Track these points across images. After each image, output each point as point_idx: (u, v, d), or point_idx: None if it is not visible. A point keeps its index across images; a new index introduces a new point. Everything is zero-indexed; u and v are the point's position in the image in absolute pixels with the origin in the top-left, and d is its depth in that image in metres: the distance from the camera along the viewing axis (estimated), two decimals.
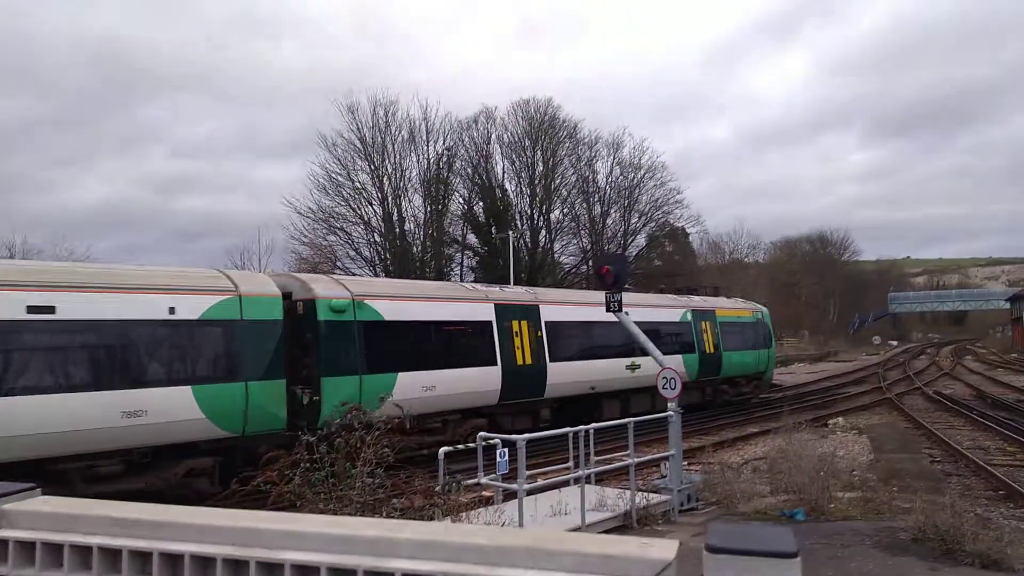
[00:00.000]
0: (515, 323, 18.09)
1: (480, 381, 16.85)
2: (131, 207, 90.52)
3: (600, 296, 20.17)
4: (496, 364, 17.23)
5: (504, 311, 17.92)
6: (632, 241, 53.93)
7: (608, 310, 12.40)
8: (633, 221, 53.80)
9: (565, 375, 18.95)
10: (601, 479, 12.25)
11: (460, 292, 18.28)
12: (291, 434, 10.46)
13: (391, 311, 15.44)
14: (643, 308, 21.37)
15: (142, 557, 1.45)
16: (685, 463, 12.55)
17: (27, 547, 1.50)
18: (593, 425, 11.01)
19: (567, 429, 10.85)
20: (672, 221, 55.68)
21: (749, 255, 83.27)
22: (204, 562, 1.41)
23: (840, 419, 22.55)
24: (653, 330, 19.59)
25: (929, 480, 13.36)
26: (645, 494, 11.39)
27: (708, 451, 17.09)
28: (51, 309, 11.01)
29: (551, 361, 18.60)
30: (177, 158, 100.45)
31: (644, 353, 16.92)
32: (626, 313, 12.82)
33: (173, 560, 1.43)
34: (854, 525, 10.05)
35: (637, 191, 53.08)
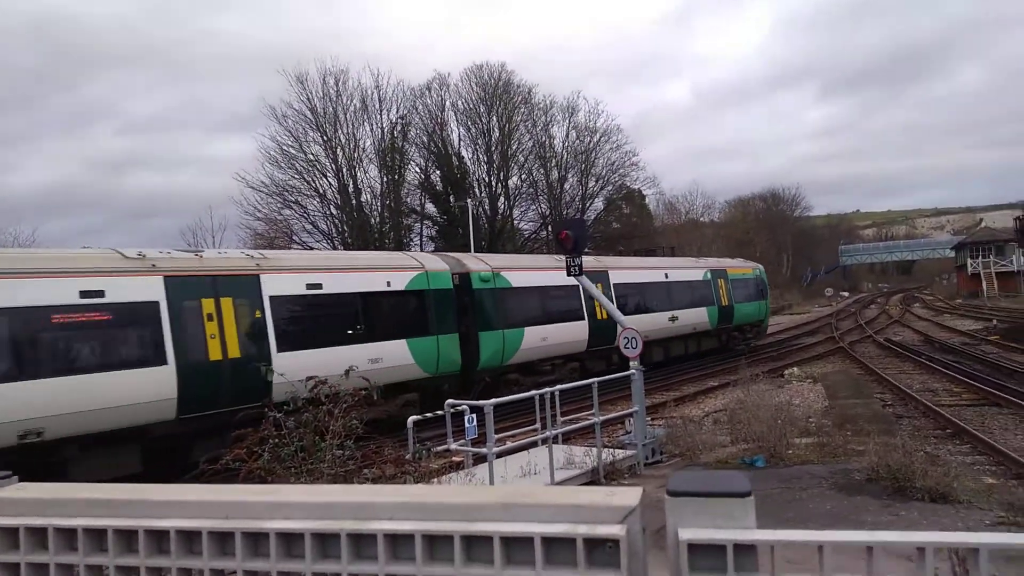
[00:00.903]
0: (597, 285, 19.34)
1: (575, 333, 20.97)
2: (80, 188, 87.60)
3: (653, 262, 26.87)
4: (584, 319, 21.22)
5: (593, 276, 19.99)
6: (590, 205, 54.16)
7: (569, 274, 12.54)
8: (591, 185, 53.96)
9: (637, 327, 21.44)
10: (568, 438, 12.51)
11: (555, 263, 19.98)
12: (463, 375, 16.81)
13: (518, 279, 19.52)
14: (678, 270, 26.69)
15: (127, 535, 1.48)
16: (648, 419, 12.86)
17: (10, 533, 1.53)
18: (558, 387, 11.21)
19: (533, 392, 11.03)
20: (629, 184, 55.98)
21: (704, 215, 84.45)
22: (189, 536, 1.45)
23: (796, 369, 23.26)
24: (686, 287, 26.05)
25: (881, 423, 13.91)
26: (611, 450, 11.68)
27: (670, 406, 17.54)
28: (319, 285, 14.72)
29: (624, 313, 20.74)
30: (126, 135, 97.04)
31: (681, 307, 24.80)
32: (665, 276, 19.91)
33: (159, 536, 1.47)
34: (811, 469, 10.46)
35: (594, 155, 53.16)
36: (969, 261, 66.97)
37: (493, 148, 50.09)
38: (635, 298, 23.56)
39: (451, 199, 46.46)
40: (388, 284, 16.21)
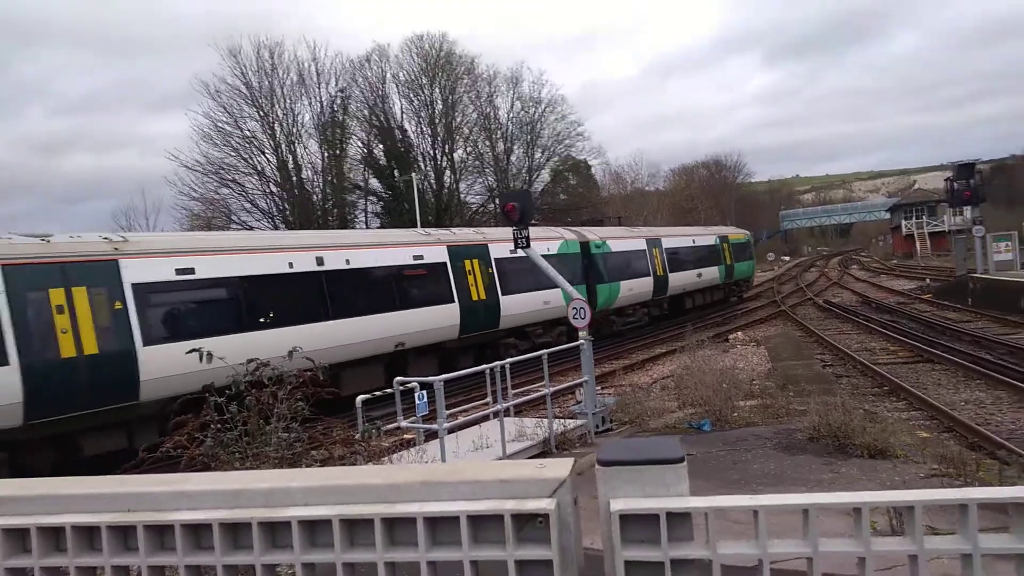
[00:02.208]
0: (655, 251, 28.06)
1: (645, 285, 27.01)
2: (9, 172, 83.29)
3: (685, 231, 34.45)
4: (650, 275, 27.30)
5: (651, 243, 28.12)
6: (537, 176, 53.98)
7: (516, 246, 12.46)
8: (537, 156, 53.75)
9: (677, 281, 29.34)
10: (520, 411, 12.52)
11: (631, 232, 28.98)
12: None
13: (615, 246, 25.63)
14: (700, 237, 33.35)
15: (18, 533, 1.36)
16: (598, 388, 12.96)
17: None
18: (508, 360, 11.17)
19: (483, 367, 10.97)
20: (575, 155, 55.98)
21: (650, 183, 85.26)
22: (89, 532, 1.34)
23: (739, 333, 23.77)
24: (706, 250, 32.83)
25: (822, 383, 14.31)
26: (562, 421, 11.73)
27: (619, 375, 17.71)
28: (514, 251, 16.32)
29: (671, 273, 28.71)
30: (60, 116, 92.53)
31: (704, 266, 32.08)
32: (693, 241, 32.44)
33: (55, 533, 1.35)
34: (756, 431, 10.71)
35: (539, 126, 52.88)
36: (903, 222, 69.26)
37: (437, 120, 49.37)
38: (677, 259, 29.74)
39: (395, 173, 45.71)
40: (548, 249, 21.05)
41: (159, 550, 1.30)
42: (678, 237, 31.12)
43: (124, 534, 1.32)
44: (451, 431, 10.06)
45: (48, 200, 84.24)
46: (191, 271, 13.23)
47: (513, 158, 53.14)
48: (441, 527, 1.21)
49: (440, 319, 17.88)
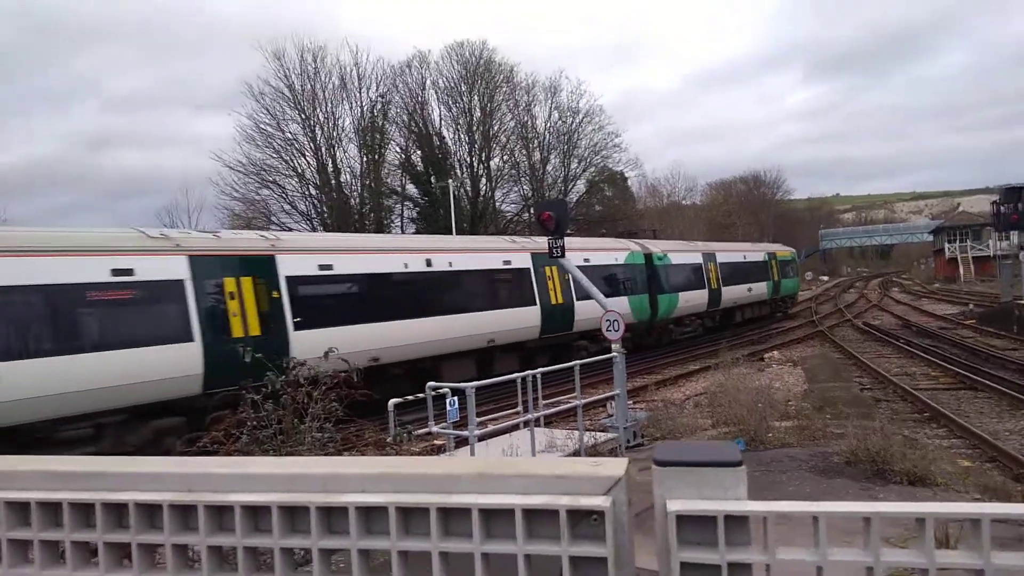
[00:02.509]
0: (710, 265, 29.57)
1: (701, 297, 28.55)
2: (60, 167, 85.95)
3: (737, 246, 35.85)
4: (705, 288, 28.75)
5: (706, 257, 29.68)
6: (572, 187, 53.97)
7: (551, 256, 12.48)
8: (573, 166, 53.76)
9: (729, 295, 30.78)
10: (550, 421, 12.50)
11: (689, 246, 30.71)
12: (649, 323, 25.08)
13: (675, 259, 27.08)
14: (751, 253, 35.16)
15: (84, 509, 1.40)
16: (630, 402, 12.88)
17: None
18: (540, 370, 11.16)
19: (515, 375, 10.97)
20: (611, 165, 55.86)
21: (686, 197, 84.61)
22: (150, 509, 1.37)
23: (775, 353, 23.43)
24: (755, 266, 34.21)
25: (860, 406, 14.03)
26: (593, 433, 11.69)
27: (652, 389, 17.58)
28: (588, 260, 21.29)
29: (724, 286, 30.14)
30: (110, 113, 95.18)
31: (753, 281, 33.20)
32: (744, 257, 33.56)
33: (118, 509, 1.39)
34: (791, 452, 10.52)
35: (576, 136, 52.90)
36: (947, 245, 67.71)
37: (475, 128, 49.68)
38: (729, 273, 31.00)
39: (432, 180, 46.08)
40: (616, 260, 23.96)
41: (218, 530, 1.33)
42: (731, 252, 32.92)
43: (185, 513, 1.35)
44: (481, 439, 10.08)
45: (95, 195, 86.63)
46: (330, 267, 15.09)
47: (549, 167, 53.26)
48: (495, 520, 1.22)
49: (524, 320, 19.52)
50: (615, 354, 12.15)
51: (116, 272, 11.93)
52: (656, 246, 27.14)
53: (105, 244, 12.32)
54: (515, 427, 11.08)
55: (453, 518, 1.23)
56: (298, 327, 13.92)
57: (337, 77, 44.13)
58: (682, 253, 28.40)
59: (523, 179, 52.39)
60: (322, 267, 14.89)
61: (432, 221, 44.92)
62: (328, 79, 43.85)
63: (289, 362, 9.59)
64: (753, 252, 35.34)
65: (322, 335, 13.65)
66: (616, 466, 1.21)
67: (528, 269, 19.75)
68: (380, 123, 45.77)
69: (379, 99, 45.88)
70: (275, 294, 13.89)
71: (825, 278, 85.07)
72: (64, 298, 11.37)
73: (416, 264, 16.84)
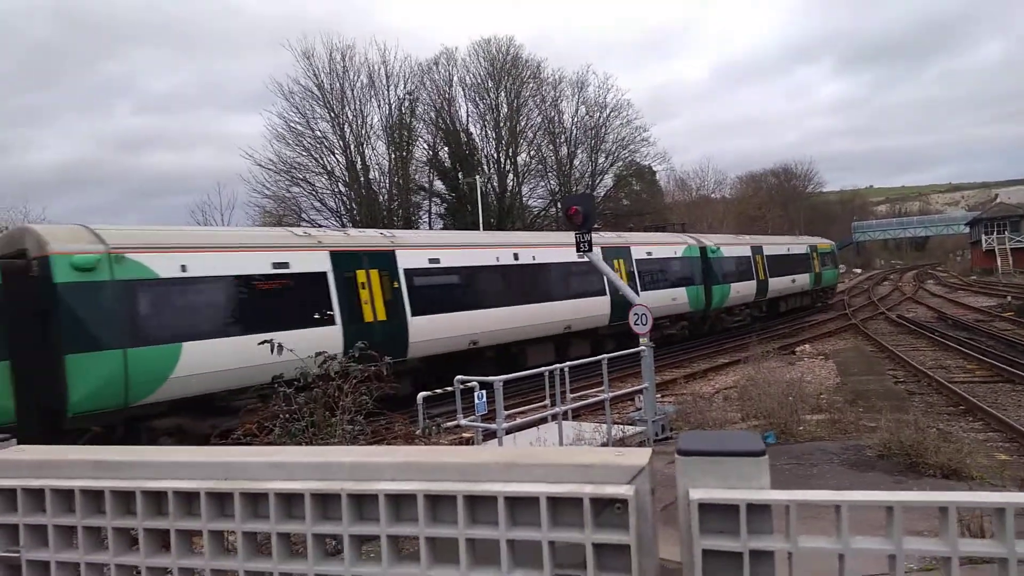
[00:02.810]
0: (758, 257, 30.90)
1: (750, 288, 30.00)
2: (95, 166, 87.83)
3: (782, 239, 37.80)
4: (754, 279, 30.31)
5: (754, 250, 30.90)
6: (600, 181, 53.75)
7: (579, 251, 12.46)
8: (600, 161, 53.54)
9: (775, 285, 32.28)
10: (578, 415, 12.51)
11: (738, 240, 31.76)
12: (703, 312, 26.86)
13: (727, 251, 28.61)
14: (795, 245, 36.22)
15: (125, 496, 1.45)
16: (658, 395, 12.84)
17: (8, 494, 1.50)
18: (568, 363, 11.18)
19: (542, 368, 11.01)
20: (639, 160, 55.50)
21: (716, 191, 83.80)
22: (188, 497, 1.42)
23: (807, 346, 23.14)
24: (799, 258, 35.50)
25: (893, 399, 13.82)
26: (621, 427, 11.68)
27: (680, 383, 17.49)
28: (651, 253, 23.97)
29: (770, 277, 31.61)
30: (144, 113, 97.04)
31: (796, 273, 34.54)
32: (788, 249, 34.65)
33: (157, 497, 1.44)
34: (822, 445, 10.41)
35: (603, 130, 52.68)
36: (983, 237, 66.20)
37: (502, 124, 49.69)
38: (775, 265, 32.45)
39: (460, 176, 46.20)
40: (675, 252, 25.62)
41: (253, 517, 1.38)
42: (776, 245, 34.34)
43: (221, 500, 1.40)
44: (509, 432, 10.14)
45: (126, 194, 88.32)
46: (437, 260, 16.93)
47: (576, 162, 53.11)
48: (520, 508, 1.25)
49: (595, 308, 21.40)
50: (643, 348, 12.11)
51: (276, 265, 13.93)
52: (709, 239, 28.47)
53: (266, 241, 14.46)
54: (543, 420, 11.12)
55: (479, 506, 1.26)
56: (414, 313, 15.89)
57: (366, 75, 44.47)
58: (733, 246, 29.68)
59: (550, 174, 52.32)
60: (431, 260, 16.83)
61: (460, 217, 45.07)
62: (356, 77, 44.20)
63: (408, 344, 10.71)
64: (796, 245, 36.63)
65: (432, 320, 16.23)
66: (640, 456, 1.23)
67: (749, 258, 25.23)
68: (408, 120, 46.01)
69: (407, 96, 46.14)
70: (395, 284, 15.76)
71: (858, 271, 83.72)
72: (238, 287, 13.42)
73: (505, 258, 18.76)
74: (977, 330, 24.36)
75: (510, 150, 50.23)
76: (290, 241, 14.63)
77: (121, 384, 11.69)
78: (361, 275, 15.17)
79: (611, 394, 11.54)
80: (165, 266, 12.54)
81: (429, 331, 16.06)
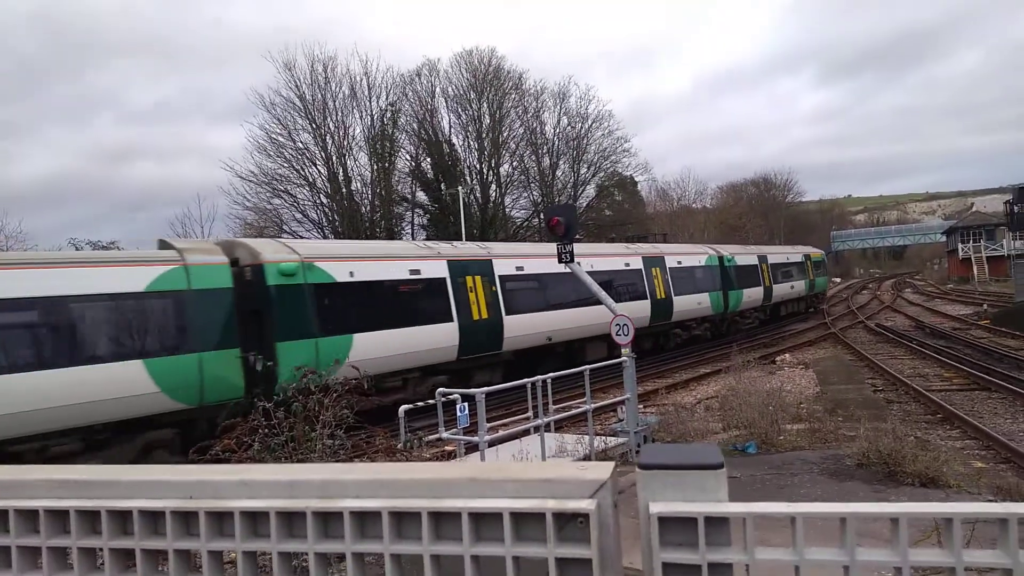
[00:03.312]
0: (763, 265, 33.80)
1: (758, 293, 32.79)
2: (77, 179, 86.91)
3: (781, 249, 41.49)
4: (760, 285, 33.02)
5: (760, 259, 33.97)
6: (582, 192, 53.95)
7: (560, 261, 12.48)
8: (582, 172, 53.75)
9: (778, 291, 35.22)
10: (561, 426, 12.51)
11: (747, 249, 35.03)
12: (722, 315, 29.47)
13: (740, 260, 31.38)
14: (791, 254, 39.15)
15: (90, 516, 1.45)
16: (640, 406, 12.87)
17: None
18: (550, 375, 11.18)
19: (524, 380, 11.00)
20: (621, 170, 55.83)
21: (697, 201, 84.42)
22: (153, 516, 1.42)
23: (787, 355, 23.32)
24: (794, 266, 38.15)
25: (872, 408, 13.96)
26: (603, 438, 11.68)
27: (662, 393, 17.56)
28: (680, 262, 26.57)
29: (774, 284, 34.48)
30: (127, 125, 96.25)
31: (793, 280, 37.45)
32: (787, 258, 37.98)
33: (122, 516, 1.43)
34: (802, 455, 10.49)
35: (585, 141, 52.93)
36: (960, 246, 67.18)
37: (484, 135, 49.81)
38: (777, 273, 35.15)
39: (442, 187, 46.23)
40: (699, 262, 28.35)
41: (219, 536, 1.38)
42: (777, 254, 37.50)
43: (187, 519, 1.40)
44: (492, 444, 10.11)
45: (110, 206, 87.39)
46: (522, 268, 19.80)
47: (559, 173, 53.29)
48: (485, 523, 1.25)
49: (638, 310, 23.45)
50: (625, 359, 12.14)
51: (411, 272, 16.69)
52: (725, 250, 31.54)
53: (403, 252, 17.43)
54: (525, 432, 11.10)
55: (445, 522, 1.27)
56: (507, 313, 18.77)
57: (347, 87, 44.42)
58: (744, 256, 32.69)
59: (533, 185, 52.47)
60: (517, 268, 19.68)
61: (442, 228, 45.04)
62: (338, 89, 44.13)
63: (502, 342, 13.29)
64: (793, 254, 39.82)
65: (521, 319, 19.17)
66: (602, 470, 1.24)
67: (640, 270, 24.78)
68: (390, 131, 45.98)
69: (389, 107, 46.10)
70: (493, 288, 18.56)
71: (837, 280, 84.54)
72: (388, 289, 16.19)
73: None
74: (954, 338, 24.69)
75: (493, 161, 50.35)
76: (420, 252, 17.75)
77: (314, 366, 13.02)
78: (469, 280, 18.01)
79: (593, 405, 11.55)
80: (340, 272, 15.33)
81: (518, 328, 19.17)
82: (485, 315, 18.26)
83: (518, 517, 1.22)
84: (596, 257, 22.93)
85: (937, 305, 41.48)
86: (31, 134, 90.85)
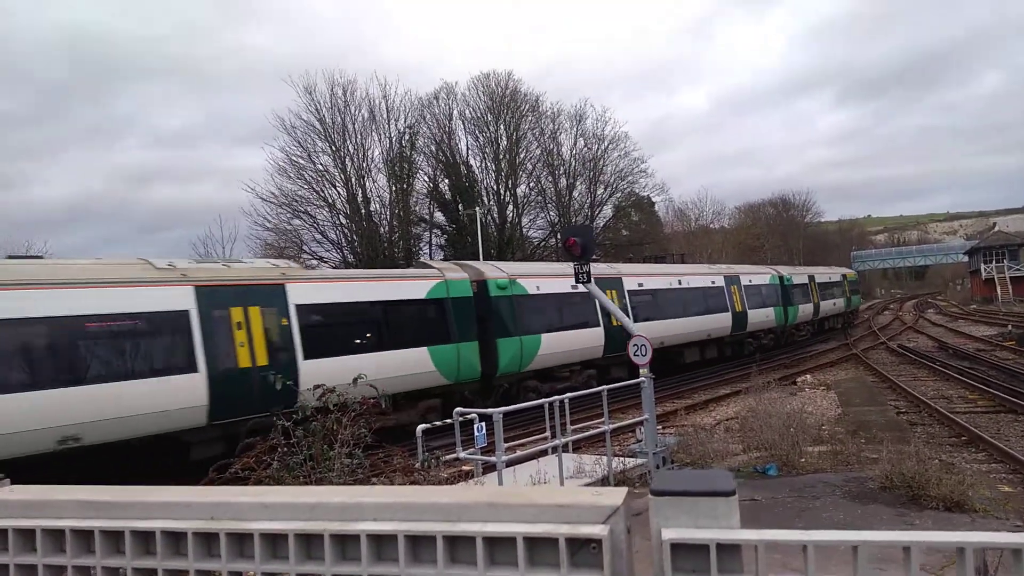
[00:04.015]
0: (812, 284, 37.75)
1: (809, 309, 36.78)
2: (100, 201, 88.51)
3: (828, 269, 46.24)
4: (811, 303, 37.22)
5: (810, 278, 38.11)
6: (599, 212, 54.04)
7: (577, 281, 12.49)
8: (599, 192, 53.87)
9: (824, 307, 39.49)
10: (578, 447, 12.44)
11: (797, 270, 38.67)
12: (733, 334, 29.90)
13: (795, 279, 35.47)
14: (832, 275, 43.09)
15: (114, 536, 1.48)
16: (659, 427, 12.79)
17: (0, 535, 1.53)
18: (568, 395, 11.15)
19: (543, 400, 10.97)
20: (637, 191, 55.87)
21: (714, 221, 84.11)
22: (175, 537, 1.45)
23: (808, 376, 23.07)
24: (835, 285, 42.22)
25: (895, 430, 13.75)
26: (622, 459, 11.59)
27: (681, 414, 17.42)
28: (752, 281, 31.51)
29: (820, 301, 38.45)
30: (151, 148, 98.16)
31: (836, 297, 41.96)
32: (830, 278, 42.02)
33: (145, 537, 1.47)
34: (824, 477, 10.34)
35: (602, 162, 53.08)
36: (983, 266, 66.28)
37: (501, 156, 50.12)
38: (823, 291, 38.69)
39: (460, 207, 46.49)
40: (765, 280, 32.79)
41: (239, 557, 1.40)
42: (822, 274, 41.40)
43: (208, 540, 1.43)
44: (509, 464, 10.08)
45: (132, 228, 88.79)
46: (642, 284, 24.47)
47: (575, 194, 53.43)
48: (500, 547, 1.27)
49: (721, 321, 28.10)
50: (643, 379, 12.08)
51: (572, 286, 17.96)
52: (784, 270, 35.59)
53: (566, 270, 19.05)
54: (543, 453, 11.05)
55: (460, 546, 1.29)
56: (635, 320, 21.01)
57: (367, 110, 44.95)
58: (798, 276, 36.75)
59: (549, 205, 52.62)
60: (639, 284, 24.02)
61: (460, 248, 45.21)
62: (358, 112, 44.67)
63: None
64: (834, 274, 44.31)
65: (643, 327, 20.96)
66: (615, 495, 1.26)
67: (723, 287, 28.74)
68: (408, 153, 46.39)
69: (407, 130, 46.56)
70: (624, 300, 22.55)
71: None
72: (560, 299, 20.53)
73: (673, 283, 25.96)
74: (979, 359, 24.31)
75: (509, 182, 50.60)
76: (712, 269, 24.65)
77: (519, 359, 18.93)
78: (608, 294, 20.47)
79: (611, 426, 11.50)
80: (531, 286, 19.74)
81: (754, 319, 28.21)
82: (616, 324, 21.57)
83: (532, 542, 1.24)
84: (691, 276, 27.46)
85: (960, 326, 40.91)
86: (56, 157, 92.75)
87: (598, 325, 21.41)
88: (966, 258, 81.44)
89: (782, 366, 26.77)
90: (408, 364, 16.10)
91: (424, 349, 16.61)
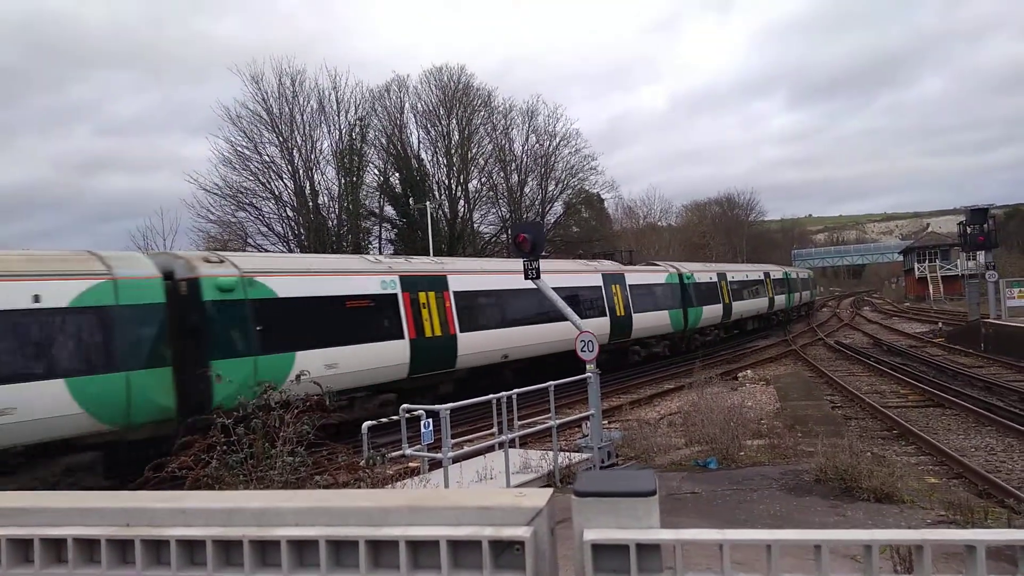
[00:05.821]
0: (790, 278, 46.87)
1: (783, 299, 43.59)
2: (48, 189, 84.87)
3: (765, 267, 46.39)
4: (786, 293, 44.28)
5: (785, 274, 46.72)
6: (550, 209, 54.26)
7: (526, 278, 12.50)
8: (550, 189, 54.07)
9: (803, 298, 51.00)
10: (526, 442, 12.49)
11: (782, 269, 48.16)
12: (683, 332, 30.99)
13: (775, 275, 43.37)
14: (774, 271, 44.73)
15: (24, 544, 1.42)
16: (604, 422, 12.92)
17: None
18: (515, 391, 11.17)
19: (490, 396, 10.97)
20: (588, 188, 56.30)
21: (662, 219, 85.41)
22: (89, 544, 1.40)
23: (749, 371, 23.62)
24: (778, 282, 43.39)
25: (830, 424, 14.18)
26: (568, 454, 11.68)
27: (626, 409, 17.62)
28: (747, 276, 38.86)
29: (791, 292, 46.23)
30: (105, 136, 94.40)
31: (777, 294, 42.40)
32: (768, 275, 42.30)
33: (56, 545, 1.41)
34: (762, 470, 10.61)
35: (553, 159, 53.30)
36: (916, 265, 68.83)
37: (453, 151, 49.87)
38: (739, 291, 37.32)
39: (410, 202, 46.10)
40: (758, 276, 39.40)
41: (155, 564, 1.36)
42: (778, 271, 45.69)
43: (123, 547, 1.38)
44: (456, 460, 10.06)
45: (79, 217, 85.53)
46: (643, 281, 27.70)
47: (527, 190, 53.52)
48: (423, 551, 1.26)
49: (596, 328, 28.70)
50: (590, 374, 12.18)
51: (589, 279, 23.09)
52: (688, 267, 36.32)
53: (580, 267, 24.60)
54: (490, 448, 11.05)
55: (384, 549, 1.27)
56: (635, 311, 25.41)
57: (316, 101, 44.18)
58: (778, 271, 43.69)
59: (501, 201, 52.61)
60: (640, 281, 27.19)
61: (410, 242, 44.86)
62: (306, 103, 43.87)
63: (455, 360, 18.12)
64: (776, 269, 47.66)
65: (641, 317, 25.88)
66: (539, 497, 1.26)
67: (716, 283, 32.67)
68: (358, 146, 45.75)
69: (357, 122, 45.91)
70: (625, 294, 25.08)
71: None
72: (582, 291, 22.91)
73: (519, 283, 25.10)
74: (910, 355, 25.27)
75: (461, 176, 50.39)
76: (588, 267, 24.99)
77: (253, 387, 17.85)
78: (611, 288, 24.50)
79: (558, 421, 11.56)
80: (282, 287, 17.15)
81: (642, 323, 26.51)
82: (621, 313, 24.98)
83: (455, 544, 1.23)
84: (554, 274, 26.28)
85: (895, 323, 42.45)
86: (5, 143, 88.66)
87: (604, 316, 22.29)
88: (901, 257, 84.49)
89: (724, 361, 27.35)
90: (518, 341, 20.37)
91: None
